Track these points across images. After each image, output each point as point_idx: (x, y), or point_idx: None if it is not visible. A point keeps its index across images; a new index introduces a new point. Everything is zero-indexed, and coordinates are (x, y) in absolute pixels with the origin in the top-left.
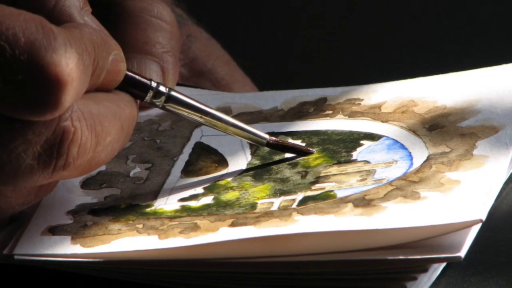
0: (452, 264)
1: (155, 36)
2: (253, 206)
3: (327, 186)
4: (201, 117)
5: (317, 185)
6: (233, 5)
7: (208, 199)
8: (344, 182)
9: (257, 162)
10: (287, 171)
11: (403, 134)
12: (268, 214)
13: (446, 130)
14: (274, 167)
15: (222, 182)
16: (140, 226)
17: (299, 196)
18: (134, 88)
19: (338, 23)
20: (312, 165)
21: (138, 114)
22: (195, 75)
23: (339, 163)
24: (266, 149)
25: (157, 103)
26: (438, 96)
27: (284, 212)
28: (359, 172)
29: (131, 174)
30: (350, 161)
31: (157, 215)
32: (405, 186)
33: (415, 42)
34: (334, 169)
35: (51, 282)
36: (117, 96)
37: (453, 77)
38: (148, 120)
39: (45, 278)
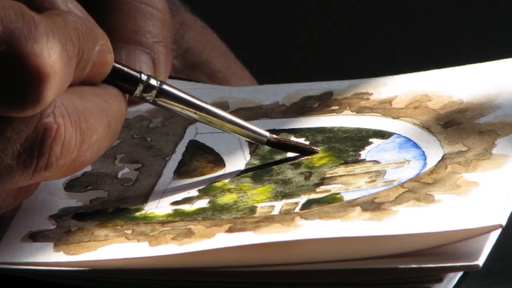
0: (470, 273)
1: (146, 25)
2: (252, 210)
3: (333, 188)
4: (195, 113)
5: (322, 187)
6: None
7: (203, 203)
8: (351, 184)
9: (256, 162)
10: (289, 172)
11: (415, 132)
12: (268, 219)
13: (463, 127)
14: (275, 167)
15: (218, 184)
16: (129, 232)
17: (303, 199)
18: (123, 82)
19: (345, 11)
20: (316, 165)
21: (127, 110)
22: (189, 67)
23: (346, 163)
24: (267, 148)
25: (148, 98)
26: (454, 90)
27: (286, 216)
28: (368, 173)
29: (119, 175)
30: (358, 161)
31: (147, 220)
32: (418, 188)
33: (429, 32)
34: (340, 170)
35: None
36: (104, 90)
37: (470, 69)
38: (137, 116)
39: None
